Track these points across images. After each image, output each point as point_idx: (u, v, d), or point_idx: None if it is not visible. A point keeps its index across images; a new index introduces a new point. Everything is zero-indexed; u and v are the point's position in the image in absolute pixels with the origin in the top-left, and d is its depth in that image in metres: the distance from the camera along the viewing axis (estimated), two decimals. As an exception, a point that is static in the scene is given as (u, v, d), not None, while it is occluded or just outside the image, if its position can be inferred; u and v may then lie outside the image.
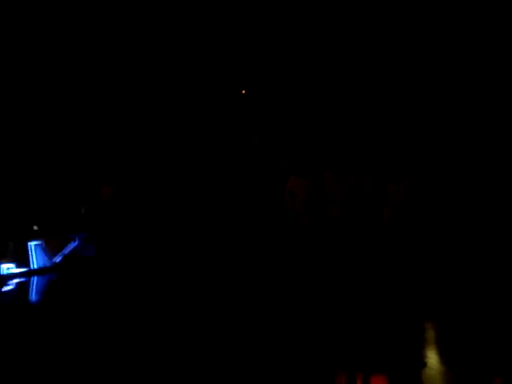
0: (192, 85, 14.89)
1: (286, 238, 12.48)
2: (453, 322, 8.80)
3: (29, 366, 7.41)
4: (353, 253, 11.76)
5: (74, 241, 13.36)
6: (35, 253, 12.88)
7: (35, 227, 13.45)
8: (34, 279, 12.71)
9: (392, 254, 11.64)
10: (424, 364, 7.38)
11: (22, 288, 12.27)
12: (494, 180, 12.85)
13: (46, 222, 13.68)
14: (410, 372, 7.16)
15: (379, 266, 11.28)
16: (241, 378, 7.02)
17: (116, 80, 14.91)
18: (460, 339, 8.11)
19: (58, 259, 13.22)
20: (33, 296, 11.91)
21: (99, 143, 14.85)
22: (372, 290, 10.25)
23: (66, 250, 13.45)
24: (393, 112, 14.16)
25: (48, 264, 13.05)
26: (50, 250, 13.15)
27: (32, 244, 12.87)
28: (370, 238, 12.04)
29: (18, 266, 12.76)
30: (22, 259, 12.80)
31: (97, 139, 14.84)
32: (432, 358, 7.63)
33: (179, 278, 11.71)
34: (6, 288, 12.16)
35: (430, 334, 8.56)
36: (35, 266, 12.92)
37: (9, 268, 12.80)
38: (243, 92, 13.27)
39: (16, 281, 12.64)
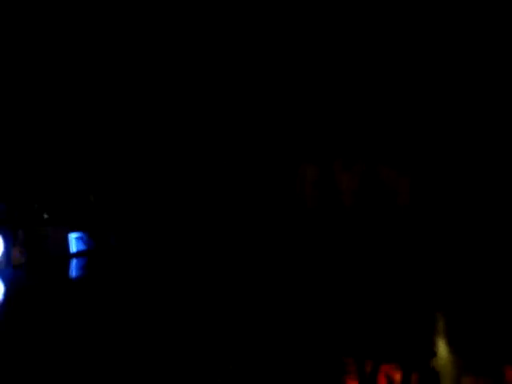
0: (190, 85, 14.88)
1: (294, 225, 12.51)
2: (463, 311, 8.79)
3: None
4: (363, 242, 11.77)
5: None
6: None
7: (46, 215, 13.50)
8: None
9: (404, 243, 11.63)
10: (434, 353, 7.37)
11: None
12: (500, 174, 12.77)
13: (57, 210, 13.72)
14: (420, 361, 7.16)
15: (390, 255, 11.27)
16: (248, 368, 7.04)
17: (115, 79, 14.91)
18: (470, 328, 8.10)
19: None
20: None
21: (100, 141, 14.87)
22: (383, 280, 10.25)
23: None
24: (401, 103, 14.10)
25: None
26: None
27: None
28: (383, 228, 12.02)
29: (28, 254, 12.81)
30: (32, 247, 12.85)
31: (98, 137, 14.86)
32: (442, 347, 7.62)
33: (183, 269, 11.72)
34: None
35: (440, 323, 8.56)
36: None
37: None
38: None
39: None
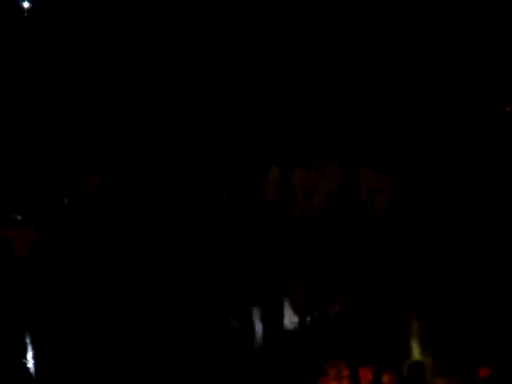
0: (189, 84, 14.87)
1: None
2: (437, 314, 8.89)
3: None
4: (342, 244, 11.88)
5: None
6: None
7: (18, 217, 13.36)
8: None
9: (382, 246, 11.74)
10: (408, 356, 7.47)
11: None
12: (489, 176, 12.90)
13: (29, 211, 13.57)
14: (395, 364, 7.24)
15: (369, 259, 11.37)
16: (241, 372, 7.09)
17: (111, 75, 14.84)
18: (444, 331, 8.20)
19: None
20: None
21: (88, 134, 14.76)
22: (362, 284, 10.32)
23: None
24: (386, 106, 14.21)
25: None
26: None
27: None
28: (360, 231, 12.14)
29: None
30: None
31: (86, 130, 14.75)
32: (416, 349, 7.72)
33: (175, 271, 11.70)
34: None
35: (414, 326, 8.65)
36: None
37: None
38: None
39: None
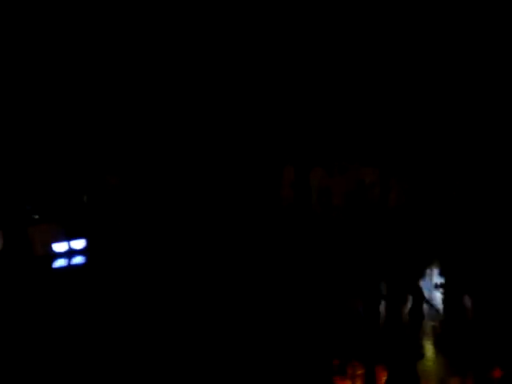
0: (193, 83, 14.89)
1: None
2: (451, 314, 8.91)
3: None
4: (351, 243, 11.92)
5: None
6: None
7: (36, 216, 13.48)
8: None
9: (390, 244, 11.76)
10: (422, 355, 7.51)
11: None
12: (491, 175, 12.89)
13: (46, 209, 13.68)
14: (408, 363, 7.29)
15: (378, 256, 11.39)
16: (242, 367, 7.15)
17: (121, 74, 14.88)
18: (457, 331, 8.22)
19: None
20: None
21: (104, 134, 14.82)
22: (371, 281, 10.33)
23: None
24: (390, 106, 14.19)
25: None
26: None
27: None
28: (372, 229, 12.19)
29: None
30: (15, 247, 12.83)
31: (101, 130, 14.81)
32: (429, 349, 7.76)
33: (182, 271, 11.75)
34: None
35: (428, 326, 8.67)
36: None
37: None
38: None
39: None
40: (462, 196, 12.75)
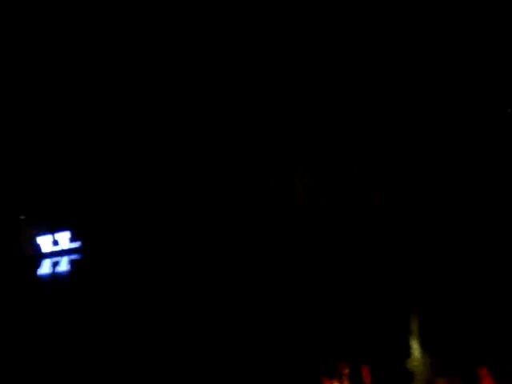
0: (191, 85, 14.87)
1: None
2: (436, 312, 8.91)
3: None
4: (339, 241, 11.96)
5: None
6: None
7: (22, 216, 13.42)
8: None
9: (377, 243, 11.81)
10: (408, 355, 7.50)
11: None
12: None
13: (34, 211, 13.62)
14: (394, 363, 7.28)
15: (365, 255, 11.42)
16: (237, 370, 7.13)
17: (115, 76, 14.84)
18: (443, 329, 8.23)
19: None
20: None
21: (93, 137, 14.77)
22: (356, 282, 10.34)
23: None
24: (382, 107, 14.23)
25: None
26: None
27: None
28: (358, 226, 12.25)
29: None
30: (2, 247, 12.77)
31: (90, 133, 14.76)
32: (416, 349, 7.75)
33: (173, 268, 11.73)
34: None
35: (413, 325, 8.67)
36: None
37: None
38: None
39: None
40: (447, 197, 12.81)
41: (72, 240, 13.48)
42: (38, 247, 13.17)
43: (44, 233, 13.24)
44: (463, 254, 11.21)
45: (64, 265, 12.66)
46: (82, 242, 13.47)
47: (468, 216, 12.30)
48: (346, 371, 7.14)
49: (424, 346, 7.86)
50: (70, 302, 9.94)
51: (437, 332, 8.22)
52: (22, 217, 13.35)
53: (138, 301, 9.76)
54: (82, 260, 12.91)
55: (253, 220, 13.38)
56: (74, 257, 13.11)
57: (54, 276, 12.01)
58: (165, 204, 14.05)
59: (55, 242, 13.34)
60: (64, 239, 13.42)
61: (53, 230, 13.37)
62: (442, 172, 13.12)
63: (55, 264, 12.79)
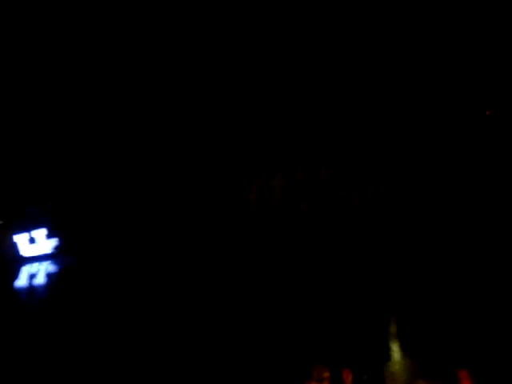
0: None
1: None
2: (415, 315, 8.91)
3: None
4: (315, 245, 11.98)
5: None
6: None
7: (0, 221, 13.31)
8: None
9: (353, 246, 11.84)
10: (388, 358, 7.49)
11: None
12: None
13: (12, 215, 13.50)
14: (374, 366, 7.26)
15: (341, 258, 11.45)
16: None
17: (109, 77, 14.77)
18: (423, 333, 8.22)
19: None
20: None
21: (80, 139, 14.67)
22: (336, 285, 10.35)
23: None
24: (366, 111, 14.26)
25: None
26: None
27: None
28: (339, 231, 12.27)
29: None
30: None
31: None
32: (395, 351, 7.74)
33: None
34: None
35: (393, 328, 8.66)
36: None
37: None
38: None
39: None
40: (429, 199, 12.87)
41: (49, 236, 13.33)
42: (16, 250, 13.04)
43: (20, 231, 13.10)
44: (442, 257, 11.25)
45: (43, 271, 12.56)
46: (60, 241, 13.34)
47: (450, 221, 12.36)
48: (327, 375, 7.11)
49: (404, 349, 7.85)
50: (50, 308, 9.89)
51: (417, 335, 8.22)
52: (0, 222, 13.23)
53: (123, 304, 9.73)
54: (63, 264, 12.83)
55: (230, 223, 13.36)
56: (53, 261, 13.01)
57: (32, 284, 11.90)
58: (144, 210, 13.99)
59: (32, 240, 13.19)
60: (41, 236, 13.26)
61: (29, 229, 13.22)
62: (424, 174, 13.17)
63: (33, 271, 12.68)
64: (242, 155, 14.25)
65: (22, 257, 12.98)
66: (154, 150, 14.56)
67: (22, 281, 11.92)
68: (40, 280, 12.01)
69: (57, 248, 13.29)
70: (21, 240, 13.12)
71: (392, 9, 13.92)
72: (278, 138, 14.29)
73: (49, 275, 12.33)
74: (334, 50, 14.28)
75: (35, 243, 13.22)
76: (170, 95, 14.75)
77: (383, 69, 14.05)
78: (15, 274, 12.17)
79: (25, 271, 12.47)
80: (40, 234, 13.25)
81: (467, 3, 13.55)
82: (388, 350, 7.77)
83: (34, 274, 12.30)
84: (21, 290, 11.29)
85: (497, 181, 12.77)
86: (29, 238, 13.13)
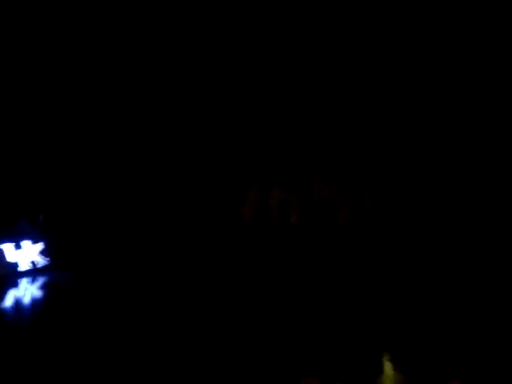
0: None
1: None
2: (409, 329, 8.90)
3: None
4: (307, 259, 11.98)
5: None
6: None
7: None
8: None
9: (345, 259, 11.86)
10: (380, 371, 7.46)
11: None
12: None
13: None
14: (366, 379, 7.23)
15: (333, 272, 11.46)
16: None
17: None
18: (415, 345, 8.20)
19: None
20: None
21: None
22: (328, 298, 10.33)
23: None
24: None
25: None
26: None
27: None
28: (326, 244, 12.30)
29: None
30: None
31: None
32: (387, 365, 7.71)
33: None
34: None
35: (386, 342, 8.63)
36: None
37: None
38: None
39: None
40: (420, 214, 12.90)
41: (40, 251, 13.25)
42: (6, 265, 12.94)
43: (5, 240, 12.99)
44: (433, 269, 11.27)
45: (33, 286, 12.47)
46: (51, 255, 13.25)
47: (445, 233, 12.41)
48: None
49: (396, 362, 7.81)
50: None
51: (409, 347, 8.19)
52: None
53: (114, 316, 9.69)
54: (54, 279, 12.74)
55: (223, 236, 13.35)
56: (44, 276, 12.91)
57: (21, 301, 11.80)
58: (136, 224, 13.95)
59: (17, 246, 13.07)
60: (31, 250, 13.17)
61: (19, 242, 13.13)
62: (418, 187, 13.21)
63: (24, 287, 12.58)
64: (235, 168, 14.26)
65: (13, 271, 12.87)
66: (145, 162, 14.53)
67: (10, 297, 11.83)
68: (30, 296, 11.94)
69: (48, 262, 13.21)
70: (9, 252, 13.02)
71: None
72: (271, 151, 14.31)
73: (40, 290, 12.27)
74: (325, 63, 14.32)
75: (26, 257, 13.13)
76: (162, 103, 14.72)
77: (375, 81, 14.09)
78: (3, 290, 12.07)
79: (14, 287, 12.39)
80: (30, 247, 13.18)
81: (462, 12, 13.61)
82: (380, 362, 7.74)
83: (24, 290, 12.22)
84: (9, 307, 11.19)
85: (493, 198, 12.82)
86: (15, 244, 13.04)
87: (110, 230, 13.77)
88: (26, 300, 11.58)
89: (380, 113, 13.96)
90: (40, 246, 13.25)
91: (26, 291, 12.14)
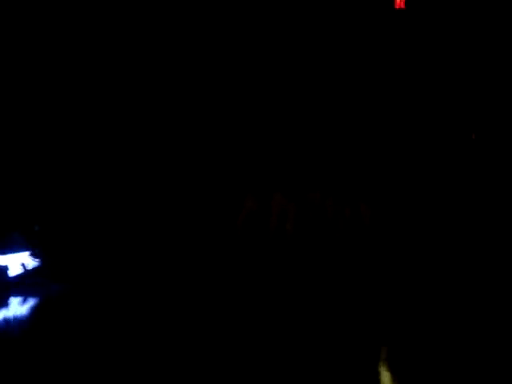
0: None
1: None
2: (406, 340, 8.86)
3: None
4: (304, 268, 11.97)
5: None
6: None
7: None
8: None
9: (343, 268, 11.86)
10: (378, 382, 7.38)
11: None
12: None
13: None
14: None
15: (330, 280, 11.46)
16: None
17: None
18: (414, 357, 8.13)
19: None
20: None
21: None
22: (325, 305, 10.32)
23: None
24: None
25: None
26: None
27: None
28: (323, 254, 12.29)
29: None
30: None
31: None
32: (386, 375, 7.64)
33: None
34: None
35: (383, 352, 8.57)
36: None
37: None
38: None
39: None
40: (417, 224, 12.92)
41: (36, 262, 13.15)
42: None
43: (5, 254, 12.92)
44: (431, 277, 11.29)
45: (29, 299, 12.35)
46: (47, 266, 13.17)
47: (443, 242, 12.44)
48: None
49: (394, 373, 7.74)
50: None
51: (407, 357, 8.13)
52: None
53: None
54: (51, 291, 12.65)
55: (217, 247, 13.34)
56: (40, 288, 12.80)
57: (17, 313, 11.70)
58: (132, 234, 13.93)
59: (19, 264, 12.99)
60: (27, 262, 13.07)
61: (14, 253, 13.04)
62: (415, 195, 13.24)
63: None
64: (231, 177, 14.26)
65: (8, 282, 12.77)
66: (140, 171, 14.52)
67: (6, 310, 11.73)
68: (26, 308, 11.85)
69: (44, 274, 13.13)
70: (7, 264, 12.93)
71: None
72: (267, 161, 14.31)
73: (36, 303, 12.18)
74: (321, 72, 14.35)
75: (22, 269, 13.04)
76: (158, 110, 14.73)
77: (371, 90, 14.13)
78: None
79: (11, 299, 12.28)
80: (26, 259, 13.09)
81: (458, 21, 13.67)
82: (377, 374, 7.68)
83: (20, 302, 12.13)
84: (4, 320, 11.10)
85: (491, 208, 12.86)
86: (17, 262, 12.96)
87: (106, 240, 13.75)
88: (18, 309, 11.51)
89: (377, 122, 13.99)
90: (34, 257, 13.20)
91: (17, 299, 12.06)
